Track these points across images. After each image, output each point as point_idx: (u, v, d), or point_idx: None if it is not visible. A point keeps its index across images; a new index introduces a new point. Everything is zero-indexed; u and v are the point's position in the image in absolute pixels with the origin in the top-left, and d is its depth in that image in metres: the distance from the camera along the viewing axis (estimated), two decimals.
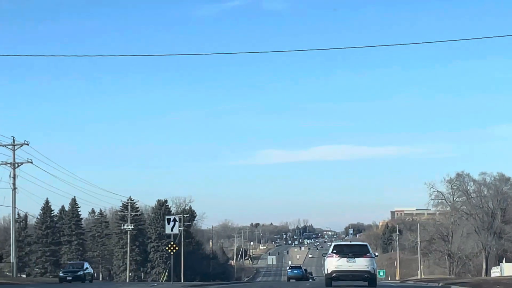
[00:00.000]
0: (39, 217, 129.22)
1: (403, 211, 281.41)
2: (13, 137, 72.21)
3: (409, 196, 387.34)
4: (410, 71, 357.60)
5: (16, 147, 71.64)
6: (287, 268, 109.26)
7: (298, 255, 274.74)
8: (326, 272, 37.69)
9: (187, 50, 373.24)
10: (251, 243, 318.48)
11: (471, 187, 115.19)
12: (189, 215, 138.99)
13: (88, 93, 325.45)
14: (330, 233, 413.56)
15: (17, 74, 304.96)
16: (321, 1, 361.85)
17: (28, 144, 71.99)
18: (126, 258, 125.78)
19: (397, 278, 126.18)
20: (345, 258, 36.04)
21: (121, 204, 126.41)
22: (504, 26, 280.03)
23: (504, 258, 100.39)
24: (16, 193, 71.21)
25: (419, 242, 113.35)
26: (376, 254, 39.59)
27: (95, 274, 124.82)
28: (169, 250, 61.41)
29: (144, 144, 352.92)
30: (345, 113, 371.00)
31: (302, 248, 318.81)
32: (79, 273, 60.65)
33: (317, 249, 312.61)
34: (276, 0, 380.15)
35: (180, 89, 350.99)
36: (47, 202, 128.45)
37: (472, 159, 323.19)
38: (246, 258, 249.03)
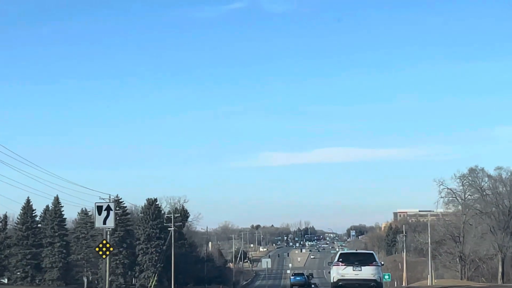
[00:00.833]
0: (19, 217, 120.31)
1: (406, 212, 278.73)
2: None
3: (411, 197, 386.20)
4: (412, 73, 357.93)
5: None
6: (290, 275, 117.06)
7: (299, 258, 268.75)
8: (332, 281, 37.39)
9: (188, 52, 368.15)
10: (251, 245, 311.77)
11: (486, 183, 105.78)
12: (181, 215, 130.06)
13: (90, 95, 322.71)
14: (332, 235, 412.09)
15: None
16: (323, 3, 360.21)
17: None
18: (112, 261, 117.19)
19: (403, 285, 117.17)
20: (351, 267, 36.07)
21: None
22: (504, 27, 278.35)
23: None
24: None
25: (429, 244, 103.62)
26: (382, 263, 39.45)
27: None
28: (101, 253, 41.29)
29: (143, 145, 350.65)
30: (347, 115, 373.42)
31: (303, 250, 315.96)
32: None
33: (319, 251, 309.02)
34: (277, 2, 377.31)
35: (182, 92, 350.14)
36: (28, 201, 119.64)
37: (475, 161, 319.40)
38: (245, 260, 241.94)
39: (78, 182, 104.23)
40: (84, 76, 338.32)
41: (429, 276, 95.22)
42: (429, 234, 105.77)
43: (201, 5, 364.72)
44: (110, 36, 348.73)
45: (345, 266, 36.30)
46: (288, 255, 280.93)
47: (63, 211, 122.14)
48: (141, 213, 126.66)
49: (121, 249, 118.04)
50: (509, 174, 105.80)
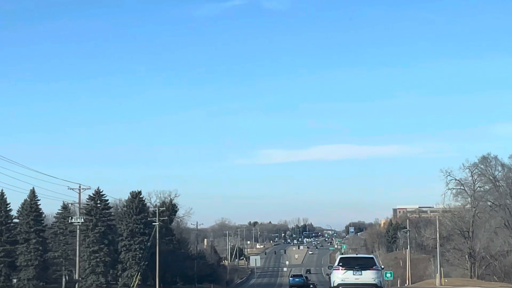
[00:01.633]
0: None
1: (406, 208, 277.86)
2: None
3: (410, 194, 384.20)
4: (411, 71, 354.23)
5: None
6: (289, 276, 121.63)
7: (296, 255, 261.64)
8: (332, 285, 37.03)
9: (187, 50, 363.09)
10: (248, 242, 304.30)
11: (499, 172, 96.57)
12: (168, 210, 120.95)
13: (92, 94, 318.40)
14: (330, 231, 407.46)
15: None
16: (321, 1, 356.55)
17: None
18: (93, 259, 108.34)
19: (407, 284, 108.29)
20: (352, 271, 35.84)
21: (87, 197, 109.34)
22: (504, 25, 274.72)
23: None
24: None
25: (438, 239, 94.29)
26: (383, 266, 39.62)
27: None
28: None
29: (142, 144, 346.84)
30: (345, 112, 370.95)
31: (301, 247, 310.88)
32: None
33: (317, 248, 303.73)
34: (276, 0, 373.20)
35: (180, 89, 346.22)
36: (1, 194, 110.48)
37: (473, 159, 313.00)
38: (241, 258, 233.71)
39: (80, 182, 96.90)
40: (84, 76, 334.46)
41: (437, 275, 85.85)
42: (437, 229, 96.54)
43: (200, 3, 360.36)
44: (108, 34, 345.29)
45: (345, 270, 35.99)
46: (285, 252, 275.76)
47: (39, 205, 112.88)
48: (123, 207, 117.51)
49: (102, 246, 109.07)
50: None
